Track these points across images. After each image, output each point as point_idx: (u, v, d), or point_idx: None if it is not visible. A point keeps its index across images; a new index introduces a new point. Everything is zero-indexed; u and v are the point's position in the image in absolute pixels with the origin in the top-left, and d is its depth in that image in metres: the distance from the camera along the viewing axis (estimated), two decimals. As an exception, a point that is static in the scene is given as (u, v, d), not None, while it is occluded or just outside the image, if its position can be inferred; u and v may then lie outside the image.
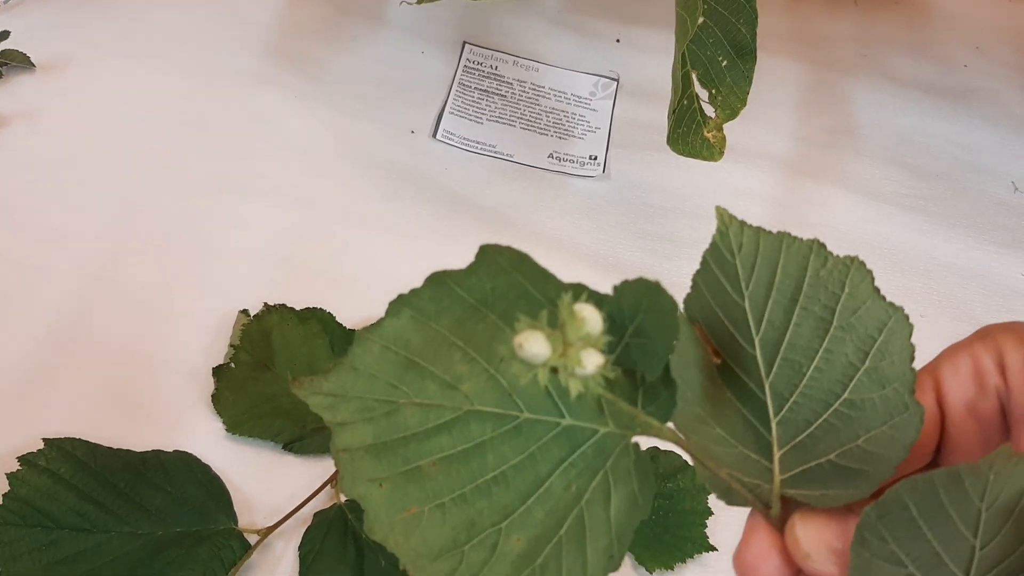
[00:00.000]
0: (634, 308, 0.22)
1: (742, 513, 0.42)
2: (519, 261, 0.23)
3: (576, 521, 0.22)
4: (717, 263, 0.23)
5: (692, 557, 0.39)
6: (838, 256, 0.23)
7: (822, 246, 0.23)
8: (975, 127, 0.63)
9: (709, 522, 0.40)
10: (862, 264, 0.23)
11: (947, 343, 0.53)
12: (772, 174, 0.57)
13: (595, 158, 0.56)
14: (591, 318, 0.18)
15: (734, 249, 0.23)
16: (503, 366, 0.23)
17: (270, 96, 0.55)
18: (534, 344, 0.17)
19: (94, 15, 0.56)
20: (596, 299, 0.21)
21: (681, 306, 0.23)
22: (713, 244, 0.23)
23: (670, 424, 0.22)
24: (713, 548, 0.40)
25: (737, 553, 0.23)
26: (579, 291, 0.20)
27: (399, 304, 0.23)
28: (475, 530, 0.22)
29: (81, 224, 0.46)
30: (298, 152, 0.52)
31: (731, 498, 0.22)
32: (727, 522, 0.41)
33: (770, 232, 0.23)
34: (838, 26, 0.70)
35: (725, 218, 0.23)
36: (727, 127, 0.47)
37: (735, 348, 0.23)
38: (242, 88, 0.55)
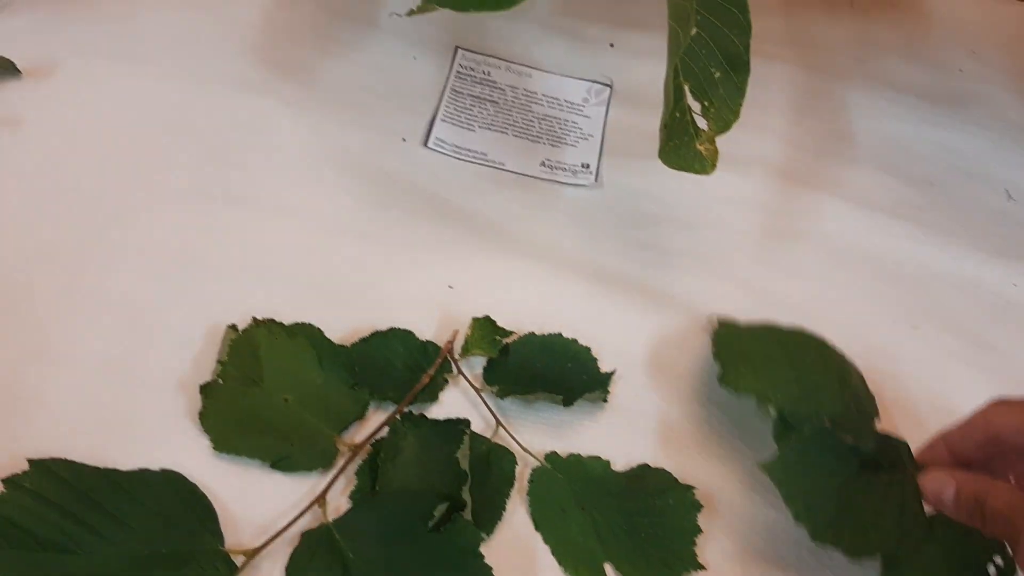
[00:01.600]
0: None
1: (730, 531, 0.42)
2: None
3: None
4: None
5: (680, 575, 0.39)
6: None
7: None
8: (969, 133, 0.63)
9: (698, 540, 0.40)
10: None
11: (938, 354, 0.53)
12: (764, 181, 0.57)
13: (587, 166, 0.56)
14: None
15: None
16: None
17: (259, 102, 0.54)
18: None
19: (80, 19, 0.56)
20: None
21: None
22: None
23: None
24: (702, 567, 0.39)
25: None
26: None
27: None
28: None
29: (66, 234, 0.46)
30: (287, 160, 0.52)
31: None
32: (717, 539, 0.41)
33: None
34: (834, 30, 0.69)
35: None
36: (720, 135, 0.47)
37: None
38: (231, 94, 0.54)
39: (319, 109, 0.55)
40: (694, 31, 0.46)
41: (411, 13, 0.42)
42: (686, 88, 0.46)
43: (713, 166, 0.46)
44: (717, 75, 0.46)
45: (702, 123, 0.46)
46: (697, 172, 0.46)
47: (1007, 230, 0.57)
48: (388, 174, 0.53)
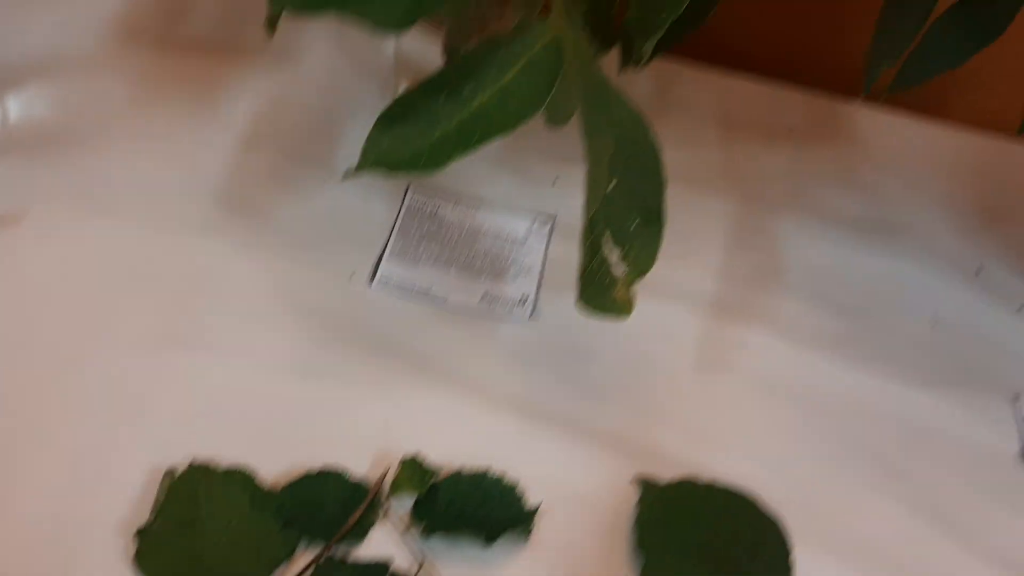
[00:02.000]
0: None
1: None
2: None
3: None
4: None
5: None
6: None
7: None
8: (899, 263, 0.66)
9: None
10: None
11: (863, 487, 0.55)
12: (697, 314, 0.60)
13: (526, 300, 0.59)
14: None
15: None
16: None
17: (217, 246, 0.58)
18: None
19: (51, 167, 0.60)
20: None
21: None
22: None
23: None
24: None
25: None
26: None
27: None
28: None
29: (21, 381, 0.49)
30: (237, 302, 0.55)
31: None
32: None
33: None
34: (771, 159, 0.73)
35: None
36: (651, 271, 0.50)
37: None
38: (191, 239, 0.58)
39: (272, 250, 0.58)
40: (614, 182, 0.49)
41: (346, 177, 0.46)
42: (604, 236, 0.49)
43: (629, 310, 0.49)
44: (634, 225, 0.49)
45: (619, 268, 0.49)
46: (614, 317, 0.48)
47: (930, 360, 0.60)
48: (333, 312, 0.56)
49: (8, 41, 0.64)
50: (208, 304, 0.55)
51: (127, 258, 0.56)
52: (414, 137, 0.45)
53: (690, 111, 0.76)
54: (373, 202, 0.63)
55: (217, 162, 0.62)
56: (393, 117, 0.46)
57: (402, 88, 0.68)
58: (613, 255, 0.49)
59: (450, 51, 0.63)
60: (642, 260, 0.50)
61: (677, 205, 0.64)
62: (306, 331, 0.54)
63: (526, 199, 0.65)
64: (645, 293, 0.48)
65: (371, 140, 0.45)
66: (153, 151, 0.62)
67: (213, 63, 0.67)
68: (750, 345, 0.59)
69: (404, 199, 0.63)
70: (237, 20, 0.70)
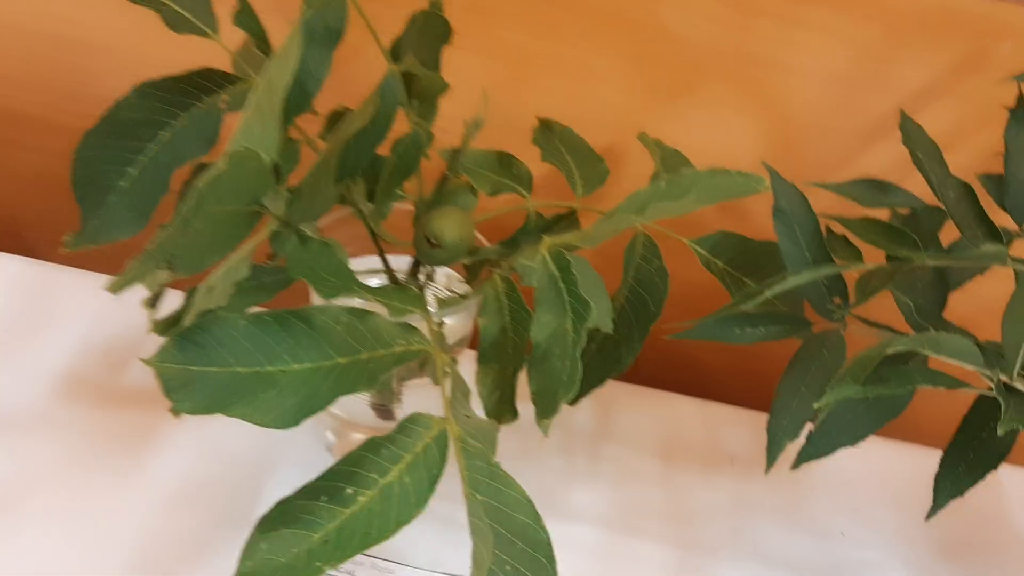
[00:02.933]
0: None
1: None
2: None
3: None
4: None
5: None
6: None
7: None
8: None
9: None
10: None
11: None
12: None
13: None
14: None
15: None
16: None
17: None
18: None
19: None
20: None
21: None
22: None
23: None
24: None
25: None
26: None
27: None
28: None
29: None
30: None
31: None
32: None
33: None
34: (711, 495, 0.72)
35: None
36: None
37: None
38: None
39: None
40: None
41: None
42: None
43: None
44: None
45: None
46: None
47: None
48: None
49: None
50: None
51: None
52: (293, 542, 0.45)
53: (629, 438, 0.76)
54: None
55: (132, 527, 0.62)
56: (274, 520, 0.45)
57: (331, 437, 0.69)
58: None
59: (378, 407, 0.64)
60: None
61: (610, 555, 0.63)
62: None
63: (446, 556, 0.63)
64: None
65: (249, 546, 0.45)
66: (70, 516, 0.62)
67: (148, 415, 0.69)
68: None
69: (323, 559, 0.61)
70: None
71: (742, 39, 0.71)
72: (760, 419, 0.79)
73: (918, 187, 0.60)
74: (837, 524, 0.70)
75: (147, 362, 0.45)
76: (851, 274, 0.54)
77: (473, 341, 0.59)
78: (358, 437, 0.68)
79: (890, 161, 0.75)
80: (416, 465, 0.46)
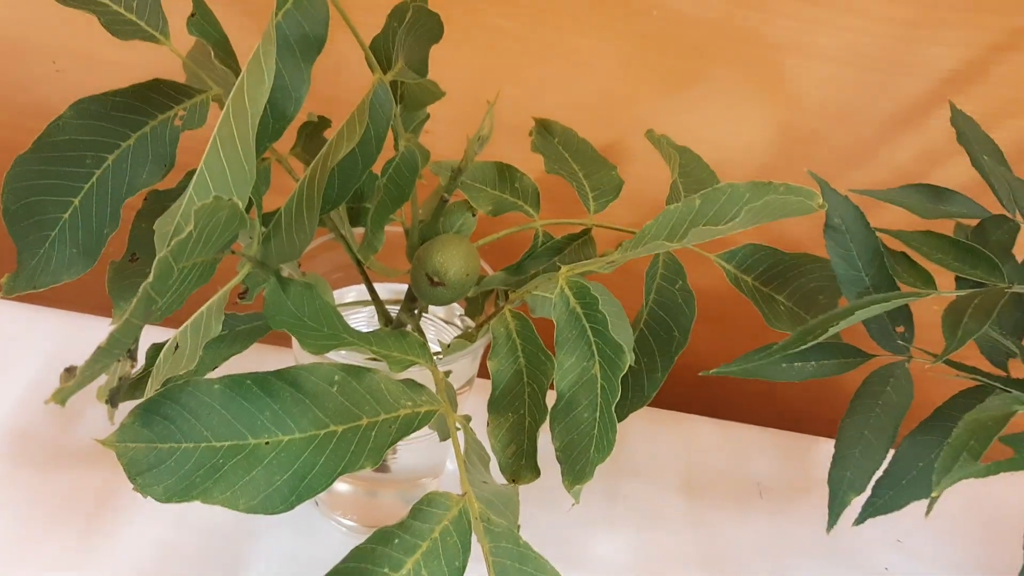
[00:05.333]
0: None
1: None
2: None
3: None
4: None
5: None
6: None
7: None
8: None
9: None
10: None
11: None
12: None
13: None
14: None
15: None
16: None
17: None
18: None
19: None
20: None
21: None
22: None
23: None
24: None
25: None
26: None
27: None
28: None
29: None
30: None
31: None
32: None
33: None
34: (742, 533, 0.65)
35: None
36: None
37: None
38: None
39: None
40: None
41: None
42: None
43: None
44: None
45: None
46: None
47: None
48: None
49: None
50: None
51: None
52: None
53: (648, 470, 0.69)
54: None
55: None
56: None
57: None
58: None
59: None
60: None
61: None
62: None
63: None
64: None
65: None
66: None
67: (109, 475, 0.60)
68: None
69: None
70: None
71: (755, 19, 0.63)
72: (783, 439, 0.73)
73: (951, 181, 0.54)
74: (881, 559, 0.64)
75: (106, 443, 0.38)
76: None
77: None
78: (343, 488, 0.60)
79: (917, 150, 0.69)
80: (434, 554, 0.38)
